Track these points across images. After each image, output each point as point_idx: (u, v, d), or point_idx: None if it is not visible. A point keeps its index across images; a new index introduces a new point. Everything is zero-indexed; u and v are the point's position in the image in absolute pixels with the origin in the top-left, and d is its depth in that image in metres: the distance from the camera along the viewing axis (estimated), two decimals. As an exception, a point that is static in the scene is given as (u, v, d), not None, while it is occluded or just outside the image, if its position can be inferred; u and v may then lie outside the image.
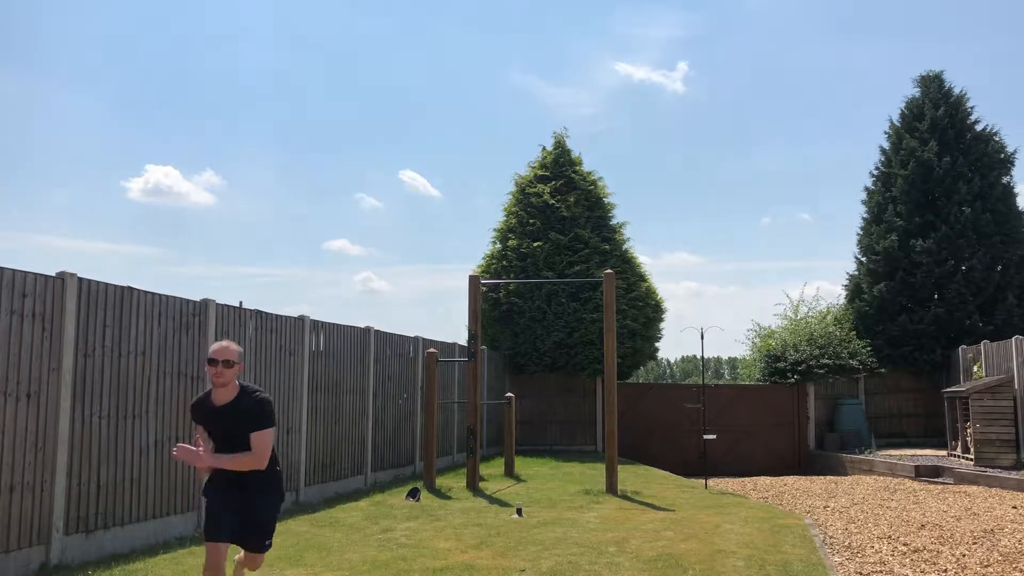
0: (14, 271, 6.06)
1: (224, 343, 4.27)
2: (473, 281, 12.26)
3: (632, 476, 13.54)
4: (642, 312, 19.59)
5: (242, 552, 4.51)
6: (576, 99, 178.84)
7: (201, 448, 4.14)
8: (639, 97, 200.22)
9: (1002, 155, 21.07)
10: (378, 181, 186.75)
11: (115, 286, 7.08)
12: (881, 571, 6.57)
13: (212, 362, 4.18)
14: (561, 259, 19.14)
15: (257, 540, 4.41)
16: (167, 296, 7.74)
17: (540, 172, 20.41)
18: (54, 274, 6.46)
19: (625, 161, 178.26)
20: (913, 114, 21.88)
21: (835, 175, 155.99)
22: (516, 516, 8.99)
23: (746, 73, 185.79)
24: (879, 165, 22.50)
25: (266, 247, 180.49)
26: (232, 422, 4.20)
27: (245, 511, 4.31)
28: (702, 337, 13.90)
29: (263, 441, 4.19)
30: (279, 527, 8.11)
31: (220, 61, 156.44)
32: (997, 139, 21.22)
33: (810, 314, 22.79)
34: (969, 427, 15.17)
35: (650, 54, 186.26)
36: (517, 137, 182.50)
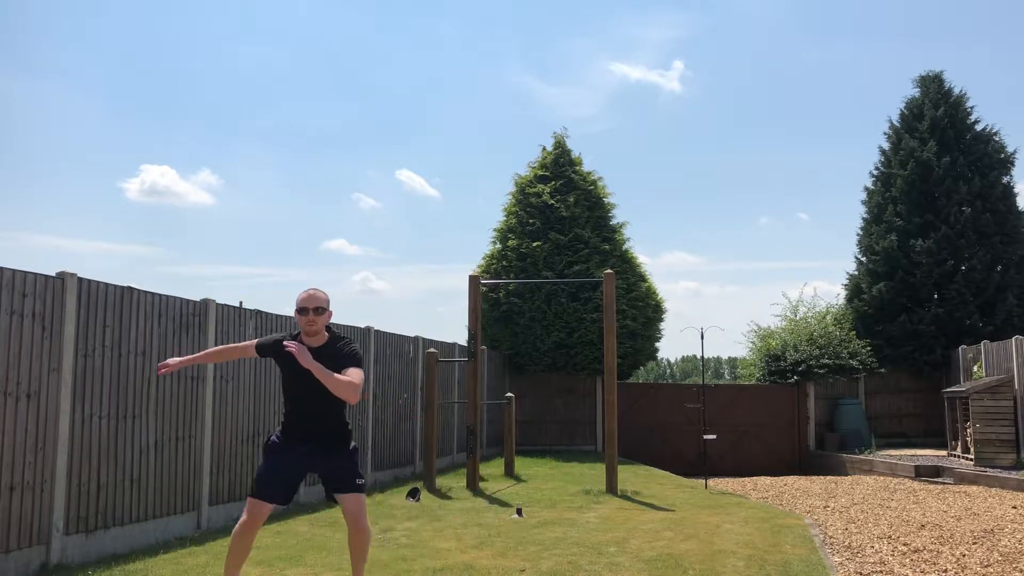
0: (14, 271, 6.06)
1: (311, 290, 4.19)
2: (473, 281, 12.26)
3: (632, 476, 13.53)
4: (642, 312, 19.58)
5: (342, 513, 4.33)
6: (574, 99, 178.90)
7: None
8: (636, 97, 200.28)
9: (1002, 155, 21.07)
10: (376, 181, 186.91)
11: (115, 286, 7.08)
12: (881, 571, 6.57)
13: (303, 311, 4.10)
14: (561, 259, 19.14)
15: (348, 482, 4.24)
16: (167, 296, 7.74)
17: (540, 172, 20.41)
18: (54, 274, 6.46)
19: (623, 161, 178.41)
20: (913, 114, 21.88)
21: (834, 175, 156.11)
22: (516, 516, 8.99)
23: (745, 72, 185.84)
24: (879, 165, 22.51)
25: (265, 247, 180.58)
26: (323, 361, 4.01)
27: (320, 462, 4.21)
28: (702, 337, 13.91)
29: (359, 375, 4.07)
30: (279, 527, 8.12)
31: (215, 61, 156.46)
32: (997, 139, 21.22)
33: (809, 314, 22.80)
34: (969, 427, 15.17)
35: (647, 54, 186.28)
36: (514, 137, 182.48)
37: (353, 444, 4.42)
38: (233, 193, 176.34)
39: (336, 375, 3.96)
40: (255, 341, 4.48)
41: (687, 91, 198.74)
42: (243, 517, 4.13)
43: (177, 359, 4.58)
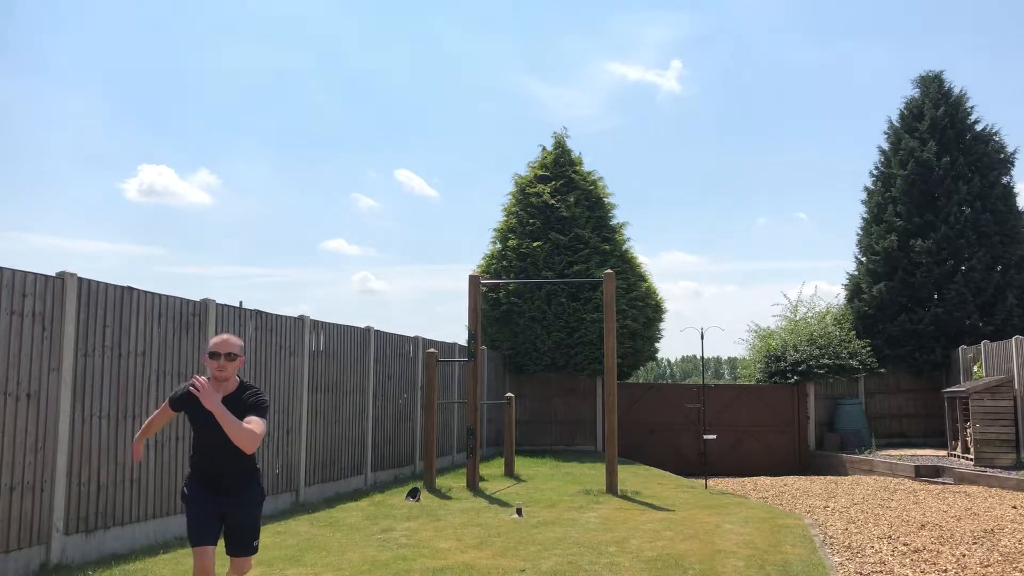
0: (14, 271, 6.06)
1: (225, 336, 4.20)
2: (473, 281, 12.25)
3: (632, 476, 13.53)
4: (642, 312, 19.58)
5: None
6: (574, 99, 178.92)
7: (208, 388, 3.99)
8: (635, 97, 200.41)
9: (1002, 155, 21.06)
10: (374, 181, 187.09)
11: (115, 286, 7.08)
12: (881, 571, 6.57)
13: (214, 355, 4.09)
14: (561, 259, 19.14)
15: (243, 543, 4.27)
16: (167, 296, 7.74)
17: (540, 172, 20.41)
18: (54, 274, 6.46)
19: (623, 161, 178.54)
20: (913, 114, 21.87)
21: (834, 175, 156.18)
22: (516, 516, 8.99)
23: (744, 72, 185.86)
24: (878, 165, 22.50)
25: (264, 247, 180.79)
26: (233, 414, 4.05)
27: (228, 513, 4.22)
28: (702, 337, 13.91)
29: (260, 425, 4.04)
30: (279, 527, 8.12)
31: (214, 61, 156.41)
32: (997, 139, 21.21)
33: (809, 315, 22.79)
34: (969, 427, 15.17)
35: (645, 54, 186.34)
36: (513, 137, 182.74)
37: (261, 488, 4.39)
38: (231, 193, 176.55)
39: (237, 421, 3.95)
40: (167, 399, 4.40)
41: (685, 91, 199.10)
42: (194, 566, 4.11)
43: (138, 440, 4.57)
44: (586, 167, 20.77)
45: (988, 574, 6.49)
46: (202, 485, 4.23)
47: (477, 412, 11.97)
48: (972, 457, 14.90)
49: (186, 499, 4.27)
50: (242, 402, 4.13)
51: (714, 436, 14.18)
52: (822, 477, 15.92)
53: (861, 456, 17.04)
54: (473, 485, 11.56)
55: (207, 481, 4.23)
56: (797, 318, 22.80)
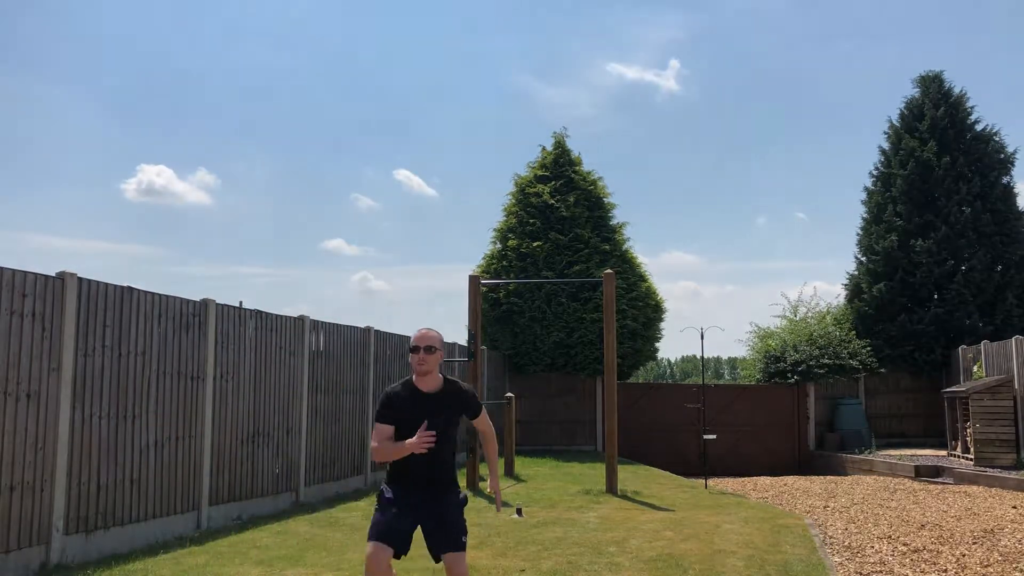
0: (14, 271, 6.06)
1: (424, 330, 4.14)
2: (473, 281, 12.25)
3: (632, 476, 13.54)
4: (642, 312, 19.59)
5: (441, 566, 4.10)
6: (574, 99, 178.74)
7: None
8: (634, 97, 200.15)
9: (1002, 155, 21.08)
10: (373, 181, 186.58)
11: (115, 286, 7.08)
12: (881, 571, 6.57)
13: (415, 349, 4.06)
14: (561, 259, 19.14)
15: (453, 539, 4.03)
16: (167, 296, 7.74)
17: (540, 172, 20.41)
18: (54, 274, 6.46)
19: (622, 161, 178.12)
20: (913, 114, 21.89)
21: (834, 175, 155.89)
22: (516, 516, 8.98)
23: (743, 72, 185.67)
24: (879, 165, 22.52)
25: (263, 247, 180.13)
26: (440, 409, 4.03)
27: (432, 515, 4.05)
28: (702, 337, 13.90)
29: (489, 421, 4.32)
30: (279, 527, 8.12)
31: (213, 61, 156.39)
32: (997, 139, 21.23)
33: (809, 315, 22.80)
34: (969, 427, 15.17)
35: (643, 53, 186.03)
36: (513, 137, 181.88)
37: (463, 494, 4.23)
38: (230, 193, 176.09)
39: (492, 456, 4.41)
40: (381, 421, 4.10)
41: (684, 91, 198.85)
42: (370, 560, 3.91)
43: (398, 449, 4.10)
44: (586, 167, 20.79)
45: (988, 574, 6.49)
46: (408, 492, 4.07)
47: (477, 412, 11.96)
48: (972, 457, 14.90)
49: (385, 501, 4.09)
50: (454, 398, 4.13)
51: (714, 436, 14.16)
52: (822, 477, 15.92)
53: (861, 456, 17.04)
54: (473, 485, 11.56)
55: (413, 488, 4.07)
56: (797, 318, 22.81)
